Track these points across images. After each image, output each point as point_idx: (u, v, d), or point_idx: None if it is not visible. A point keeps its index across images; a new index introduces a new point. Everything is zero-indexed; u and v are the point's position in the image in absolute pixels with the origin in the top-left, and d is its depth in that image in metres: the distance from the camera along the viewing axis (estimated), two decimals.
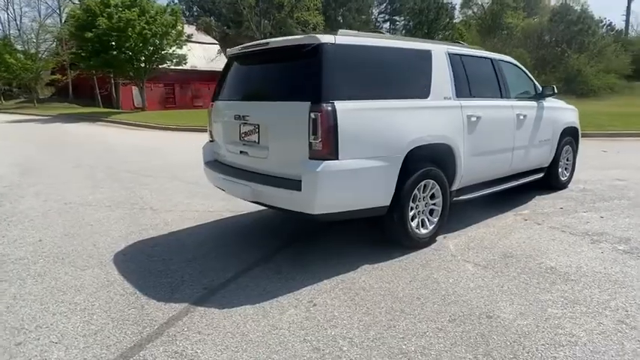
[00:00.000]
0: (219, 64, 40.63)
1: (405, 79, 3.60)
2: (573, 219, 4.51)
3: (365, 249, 3.76)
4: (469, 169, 4.03)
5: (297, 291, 3.02)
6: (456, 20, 54.46)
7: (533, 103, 5.01)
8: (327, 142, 2.96)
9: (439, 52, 3.91)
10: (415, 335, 2.45)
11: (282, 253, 3.76)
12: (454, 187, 3.99)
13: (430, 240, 3.79)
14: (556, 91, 5.19)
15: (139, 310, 2.81)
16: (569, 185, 5.91)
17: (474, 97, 4.13)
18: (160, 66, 24.62)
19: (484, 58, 4.54)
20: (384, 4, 61.27)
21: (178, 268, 3.47)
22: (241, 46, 3.79)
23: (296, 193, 3.05)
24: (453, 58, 4.01)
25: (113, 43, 21.36)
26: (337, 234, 4.19)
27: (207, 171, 4.08)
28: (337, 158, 3.01)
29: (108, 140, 13.35)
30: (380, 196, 3.32)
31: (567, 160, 5.83)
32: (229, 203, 5.32)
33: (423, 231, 3.73)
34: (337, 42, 3.12)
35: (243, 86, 3.81)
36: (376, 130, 3.22)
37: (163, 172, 7.52)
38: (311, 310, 2.75)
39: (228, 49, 4.11)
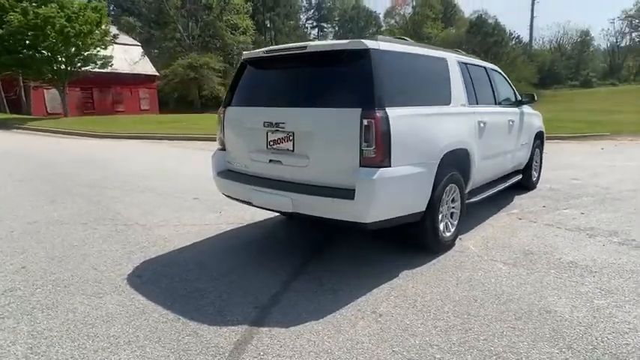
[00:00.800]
0: (143, 67, 38.49)
1: (433, 85, 3.72)
2: (560, 216, 4.95)
3: (389, 255, 3.80)
4: (479, 173, 4.26)
5: (353, 302, 2.97)
6: (381, 29, 57.12)
7: (517, 110, 5.43)
8: (380, 149, 2.96)
9: (452, 59, 4.09)
10: (495, 336, 2.53)
11: (313, 264, 3.66)
12: (466, 190, 4.19)
13: (452, 243, 3.94)
14: (536, 98, 5.68)
15: (196, 338, 2.58)
16: (537, 185, 6.48)
17: (480, 104, 4.38)
18: (83, 68, 22.62)
19: (481, 66, 4.84)
20: (312, 11, 62.47)
21: (210, 287, 3.24)
22: (266, 49, 3.65)
23: (347, 202, 3.01)
24: (461, 66, 4.22)
25: (28, 42, 19.22)
26: (349, 242, 4.18)
27: (223, 182, 3.86)
28: (390, 165, 3.02)
29: (36, 151, 12.00)
30: (421, 201, 3.38)
31: (536, 162, 6.39)
32: (222, 216, 5.09)
33: (447, 234, 3.87)
34: (381, 48, 3.14)
35: (273, 92, 3.65)
36: (418, 137, 3.29)
37: (126, 184, 6.95)
38: (380, 321, 2.73)
39: (245, 52, 3.92)
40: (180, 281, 3.36)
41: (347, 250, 4.02)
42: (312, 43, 3.37)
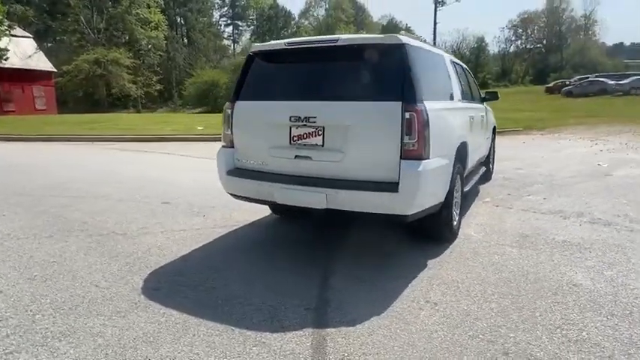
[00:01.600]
0: (37, 62, 34.34)
1: (442, 81, 3.88)
2: (528, 202, 5.46)
3: (403, 247, 3.91)
4: (470, 164, 4.54)
5: (402, 294, 2.99)
6: (300, 29, 57.67)
7: (483, 106, 5.86)
8: (421, 142, 3.02)
9: (447, 57, 4.30)
10: (547, 311, 2.73)
11: (336, 260, 3.61)
12: None
13: (457, 231, 4.14)
14: (499, 96, 6.18)
15: (265, 347, 2.40)
16: (492, 176, 7.06)
17: (466, 99, 4.66)
18: None
19: (460, 64, 5.14)
20: (226, 8, 60.88)
21: (245, 293, 3.03)
22: (286, 41, 3.49)
23: (390, 195, 3.02)
24: (452, 63, 4.45)
25: None
26: (358, 236, 4.21)
27: (234, 181, 3.63)
28: (429, 157, 3.09)
29: None
30: (444, 192, 3.51)
31: (491, 154, 6.97)
32: (208, 219, 4.81)
33: (454, 223, 4.06)
34: (411, 43, 3.20)
35: (296, 85, 3.50)
36: (445, 130, 3.42)
37: (73, 190, 6.19)
38: (439, 309, 2.78)
39: (256, 45, 3.71)
40: (207, 290, 3.09)
41: (360, 244, 4.04)
42: (342, 36, 3.31)
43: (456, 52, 59.71)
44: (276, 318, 2.70)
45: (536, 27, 67.03)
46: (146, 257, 3.71)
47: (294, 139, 3.38)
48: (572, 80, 39.50)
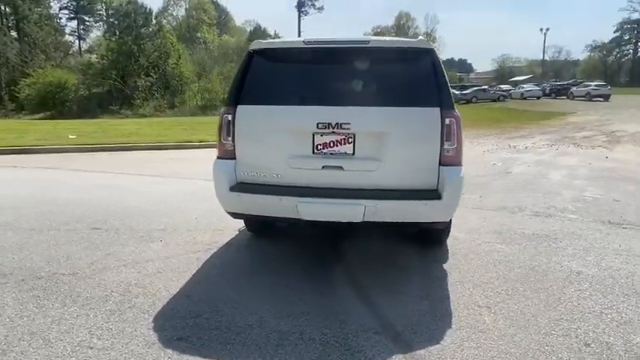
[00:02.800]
0: None
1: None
2: (470, 201, 5.96)
3: (409, 256, 3.92)
4: None
5: (451, 301, 2.98)
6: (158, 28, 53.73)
7: None
8: (459, 148, 3.05)
9: None
10: (579, 298, 3.02)
11: (352, 274, 3.44)
12: None
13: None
14: None
15: None
16: None
17: None
18: None
19: None
20: (67, 0, 53.50)
21: (289, 327, 2.65)
22: (305, 39, 3.16)
23: (433, 202, 2.99)
24: None
25: None
26: (348, 249, 4.09)
27: (241, 198, 3.17)
28: (462, 163, 3.14)
29: None
30: None
31: None
32: (169, 243, 4.18)
33: None
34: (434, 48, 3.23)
35: (323, 88, 3.19)
36: None
37: None
38: (500, 312, 2.84)
39: (258, 42, 3.27)
40: (236, 329, 2.63)
41: (359, 254, 3.93)
42: (373, 37, 3.16)
43: None
44: (350, 350, 2.43)
45: None
46: (130, 299, 3.00)
47: (319, 147, 3.10)
48: None
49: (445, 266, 3.63)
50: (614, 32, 66.08)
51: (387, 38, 3.29)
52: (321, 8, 69.00)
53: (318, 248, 4.15)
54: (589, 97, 34.13)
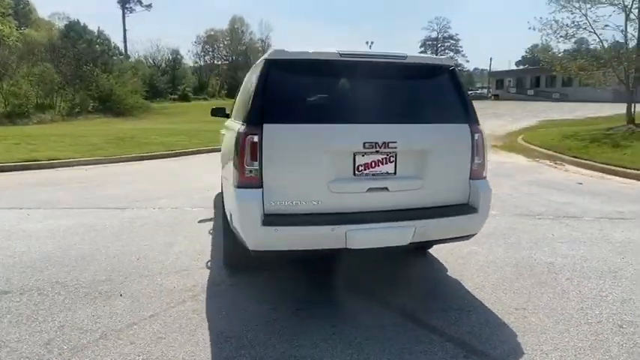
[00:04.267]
0: None
1: None
2: None
3: (416, 266, 4.01)
4: None
5: (489, 309, 3.14)
6: None
7: None
8: (485, 162, 3.22)
9: None
10: (577, 285, 3.51)
11: (386, 296, 3.34)
12: None
13: None
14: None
15: None
16: None
17: None
18: None
19: None
20: None
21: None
22: (341, 51, 2.86)
23: (471, 216, 3.10)
24: None
25: None
26: (345, 273, 3.99)
27: (285, 232, 2.75)
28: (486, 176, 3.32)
29: None
30: None
31: None
32: (133, 300, 3.42)
33: None
34: None
35: (362, 105, 2.93)
36: None
37: None
38: (540, 312, 3.10)
39: (280, 50, 2.81)
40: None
41: (359, 272, 3.83)
42: (409, 53, 3.02)
43: (152, 62, 58.63)
44: None
45: (221, 44, 73.81)
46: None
47: (360, 168, 2.90)
48: None
49: (458, 271, 3.81)
50: (420, 47, 78.70)
51: (419, 54, 3.26)
52: (149, 6, 64.40)
53: (310, 271, 3.87)
54: None
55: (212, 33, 71.84)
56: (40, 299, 3.29)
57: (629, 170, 8.43)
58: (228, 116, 6.09)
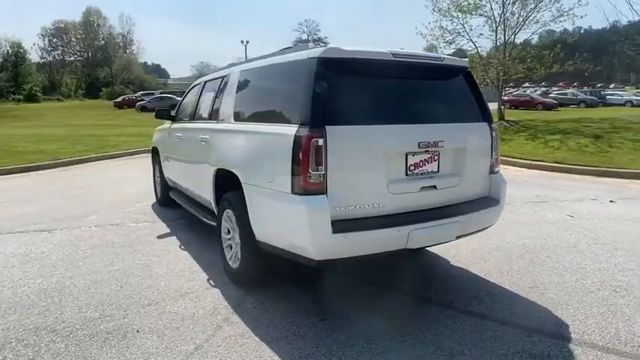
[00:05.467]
0: None
1: None
2: None
3: (423, 270, 4.16)
4: None
5: (515, 307, 3.46)
6: None
7: None
8: (499, 157, 3.52)
9: None
10: (583, 259, 4.06)
11: (409, 289, 3.44)
12: None
13: None
14: None
15: None
16: None
17: None
18: None
19: None
20: None
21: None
22: (393, 51, 2.83)
23: (496, 208, 3.37)
24: None
25: None
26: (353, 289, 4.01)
27: (355, 238, 2.66)
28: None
29: None
30: None
31: None
32: (189, 315, 3.03)
33: None
34: None
35: (412, 105, 2.93)
36: None
37: None
38: (599, 291, 3.52)
39: (336, 47, 2.62)
40: None
41: (385, 277, 3.87)
42: (443, 55, 3.10)
43: None
44: None
45: (73, 38, 65.67)
46: None
47: (411, 168, 2.94)
48: (137, 95, 42.48)
49: (454, 264, 4.06)
50: None
51: (450, 57, 3.36)
52: None
53: (324, 277, 3.78)
54: None
55: (62, 25, 63.52)
56: (32, 353, 2.63)
57: (519, 160, 9.88)
58: (173, 118, 5.60)
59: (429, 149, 2.98)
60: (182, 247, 4.55)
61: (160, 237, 4.91)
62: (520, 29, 14.70)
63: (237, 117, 3.58)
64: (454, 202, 3.18)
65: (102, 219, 5.63)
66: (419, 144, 2.91)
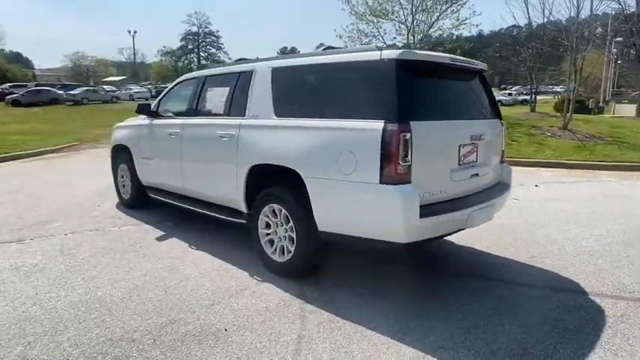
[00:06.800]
0: None
1: None
2: None
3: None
4: None
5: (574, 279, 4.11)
6: None
7: None
8: (505, 149, 4.12)
9: None
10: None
11: (442, 269, 3.90)
12: None
13: None
14: None
15: None
16: None
17: None
18: None
19: None
20: None
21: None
22: (450, 56, 3.18)
23: (507, 193, 3.96)
24: None
25: None
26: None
27: (434, 221, 3.00)
28: None
29: None
30: None
31: None
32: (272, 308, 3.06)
33: None
34: None
35: (460, 103, 3.37)
36: None
37: None
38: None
39: (411, 51, 2.86)
40: None
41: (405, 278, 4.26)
42: (471, 60, 3.54)
43: None
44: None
45: None
46: None
47: (462, 159, 3.36)
48: (4, 88, 36.89)
49: (459, 244, 4.60)
50: (180, 41, 76.63)
51: (474, 60, 3.75)
52: None
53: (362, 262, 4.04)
54: None
55: None
56: None
57: None
58: (153, 114, 5.31)
59: (474, 142, 3.44)
60: (193, 247, 4.40)
61: (158, 239, 4.65)
62: (425, 36, 16.25)
63: (282, 113, 3.63)
64: (486, 187, 3.69)
65: (72, 225, 5.10)
66: (471, 137, 3.36)
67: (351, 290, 3.43)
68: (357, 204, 3.09)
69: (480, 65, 3.75)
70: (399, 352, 2.63)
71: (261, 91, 3.86)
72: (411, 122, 2.92)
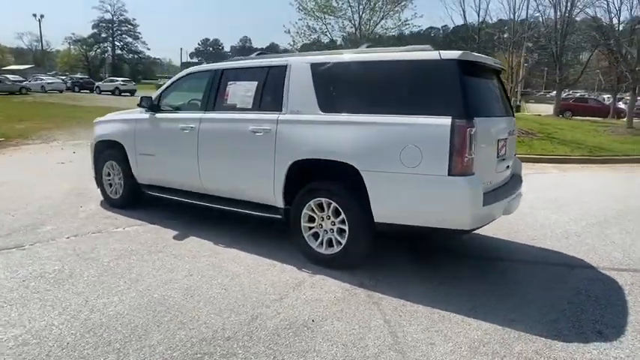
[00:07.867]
0: None
1: None
2: None
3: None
4: None
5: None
6: None
7: None
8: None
9: None
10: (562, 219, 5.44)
11: (468, 253, 4.27)
12: None
13: None
14: None
15: None
16: None
17: None
18: None
19: None
20: None
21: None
22: (483, 56, 3.48)
23: (521, 182, 4.42)
24: None
25: None
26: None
27: (491, 209, 3.34)
28: None
29: None
30: None
31: None
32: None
33: None
34: None
35: (497, 101, 3.71)
36: None
37: None
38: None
39: (471, 53, 3.11)
40: None
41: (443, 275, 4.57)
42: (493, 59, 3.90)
43: None
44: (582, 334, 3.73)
45: None
46: None
47: (499, 153, 3.72)
48: None
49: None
50: (92, 28, 70.81)
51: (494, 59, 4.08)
52: None
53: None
54: (118, 92, 36.34)
55: None
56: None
57: None
58: (154, 108, 5.07)
59: (507, 137, 3.82)
60: (221, 245, 4.31)
61: (176, 239, 4.49)
62: (371, 33, 16.90)
63: (330, 108, 3.70)
64: (509, 179, 4.11)
65: (68, 228, 4.70)
66: (508, 132, 3.75)
67: (405, 278, 3.64)
68: (423, 195, 3.31)
69: (500, 64, 4.17)
70: (479, 327, 2.90)
71: (300, 86, 3.89)
72: (475, 118, 3.21)
